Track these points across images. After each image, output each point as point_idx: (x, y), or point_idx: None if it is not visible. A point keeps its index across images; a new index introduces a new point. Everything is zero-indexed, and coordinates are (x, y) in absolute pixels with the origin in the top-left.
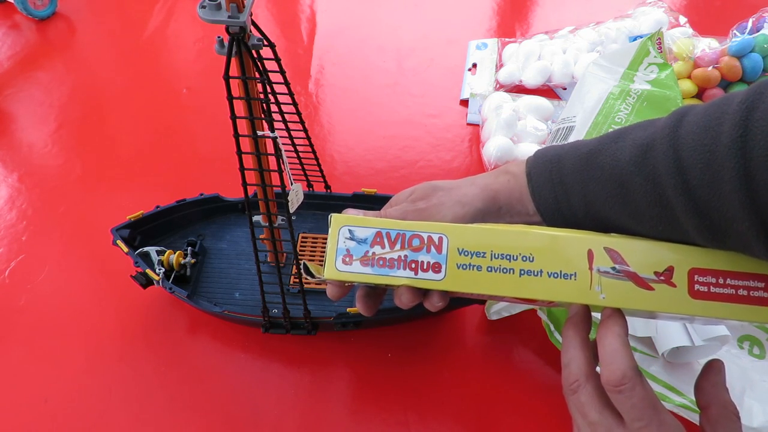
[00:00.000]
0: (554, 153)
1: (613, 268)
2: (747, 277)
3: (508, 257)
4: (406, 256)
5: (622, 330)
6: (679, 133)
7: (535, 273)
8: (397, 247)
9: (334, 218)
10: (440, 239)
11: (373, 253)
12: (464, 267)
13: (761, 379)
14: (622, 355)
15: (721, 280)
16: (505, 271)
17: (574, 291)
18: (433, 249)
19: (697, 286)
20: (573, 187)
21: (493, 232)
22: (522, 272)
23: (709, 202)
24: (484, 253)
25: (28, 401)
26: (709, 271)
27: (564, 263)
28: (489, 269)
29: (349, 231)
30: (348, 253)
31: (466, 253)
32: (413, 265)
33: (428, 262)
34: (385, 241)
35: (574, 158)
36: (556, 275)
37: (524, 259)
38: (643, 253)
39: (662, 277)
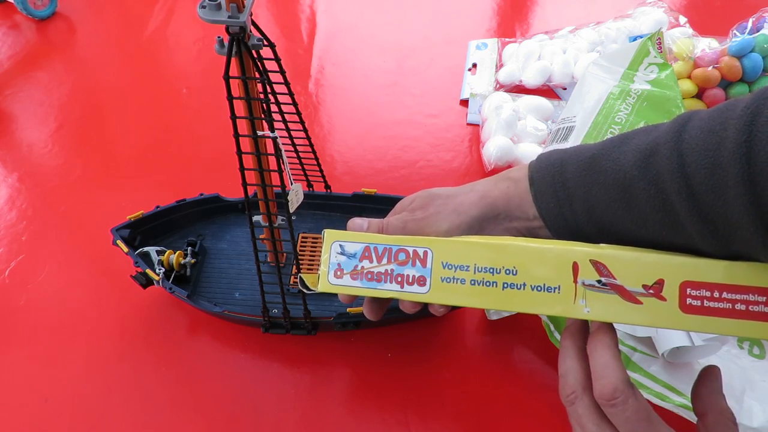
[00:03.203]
0: (557, 157)
1: (599, 281)
2: (746, 291)
3: (491, 270)
4: (392, 270)
5: (613, 342)
6: (683, 137)
7: (518, 286)
8: (384, 261)
9: (327, 234)
10: (425, 253)
11: (362, 267)
12: (448, 280)
13: (761, 379)
14: (613, 368)
15: (716, 294)
16: (488, 284)
17: (558, 304)
18: (418, 263)
19: (689, 300)
20: (576, 192)
21: (477, 246)
22: (505, 285)
23: (714, 207)
24: (468, 266)
25: (28, 401)
26: (703, 284)
27: (547, 276)
28: (472, 282)
29: (340, 246)
30: (339, 267)
31: (449, 267)
32: (399, 279)
33: (413, 276)
34: (373, 255)
35: (577, 162)
36: (539, 288)
37: (507, 272)
38: (631, 266)
39: (651, 291)
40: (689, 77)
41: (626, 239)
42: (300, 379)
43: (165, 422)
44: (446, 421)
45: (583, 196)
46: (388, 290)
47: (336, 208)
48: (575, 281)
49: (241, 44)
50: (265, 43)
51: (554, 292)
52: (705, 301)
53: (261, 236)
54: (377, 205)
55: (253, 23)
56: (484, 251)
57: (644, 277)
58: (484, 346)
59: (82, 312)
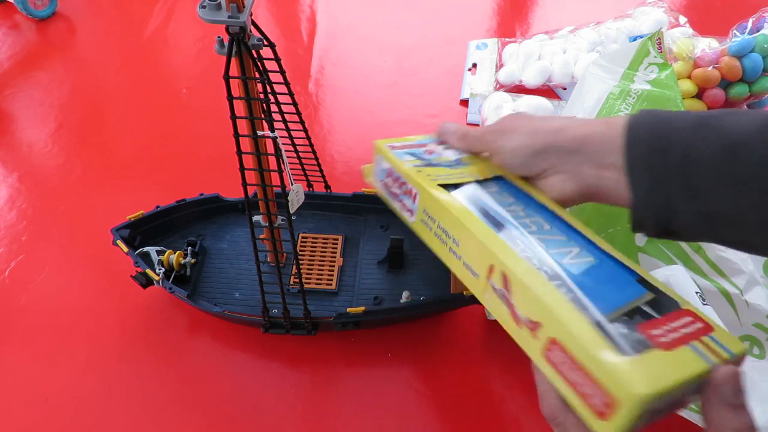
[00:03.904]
0: (662, 112)
1: (501, 291)
2: (597, 387)
3: (445, 233)
4: (398, 194)
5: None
6: None
7: (457, 256)
8: (396, 186)
9: (376, 145)
10: (416, 194)
11: (385, 183)
12: (423, 222)
13: (761, 379)
14: (549, 392)
15: (573, 366)
16: (442, 241)
17: (475, 288)
18: (411, 198)
19: (549, 354)
20: (675, 141)
21: (442, 208)
22: (450, 250)
23: None
24: (435, 219)
25: (28, 401)
26: (567, 353)
27: (474, 261)
28: (435, 234)
29: (380, 159)
30: (376, 173)
31: (425, 213)
32: (400, 203)
33: (407, 206)
34: (391, 178)
35: (685, 118)
36: (467, 267)
37: (453, 241)
38: (526, 296)
39: (530, 326)
40: (689, 77)
41: (713, 212)
42: (300, 379)
43: (165, 422)
44: (446, 421)
45: (684, 149)
46: (394, 206)
47: (336, 208)
48: (488, 278)
49: (241, 44)
50: (265, 43)
51: (475, 276)
52: (560, 365)
53: (261, 236)
54: (377, 205)
55: (253, 23)
56: (447, 215)
57: (532, 312)
58: (484, 345)
59: (82, 312)
